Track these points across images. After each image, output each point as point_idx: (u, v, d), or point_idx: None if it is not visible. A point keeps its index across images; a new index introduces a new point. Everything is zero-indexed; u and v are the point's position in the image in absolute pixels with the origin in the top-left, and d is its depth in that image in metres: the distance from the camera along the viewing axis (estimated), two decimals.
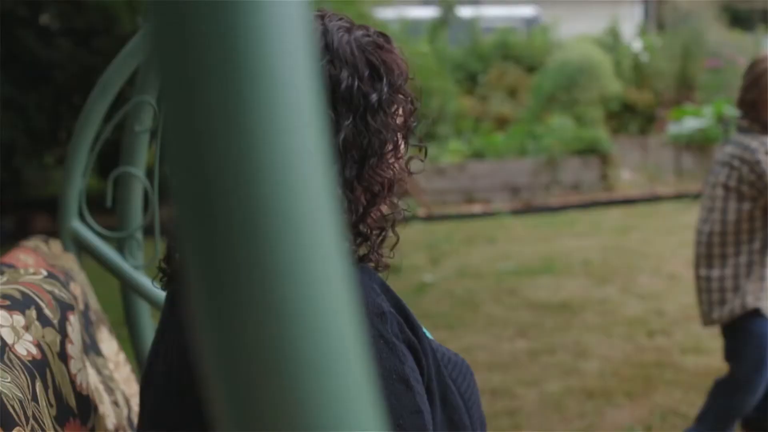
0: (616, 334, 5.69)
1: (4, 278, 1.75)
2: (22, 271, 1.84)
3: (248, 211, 0.40)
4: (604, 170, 12.31)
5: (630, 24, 18.29)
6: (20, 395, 1.35)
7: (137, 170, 2.47)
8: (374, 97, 1.41)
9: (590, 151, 12.31)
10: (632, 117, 14.66)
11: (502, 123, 14.44)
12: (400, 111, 1.47)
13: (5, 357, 1.43)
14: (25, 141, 8.96)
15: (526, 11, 20.64)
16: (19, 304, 1.62)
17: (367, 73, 1.43)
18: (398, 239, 1.59)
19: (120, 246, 2.48)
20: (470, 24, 17.47)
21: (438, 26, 17.29)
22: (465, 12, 18.15)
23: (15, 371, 1.41)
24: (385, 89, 1.43)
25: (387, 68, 1.45)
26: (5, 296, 1.62)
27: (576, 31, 16.93)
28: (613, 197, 11.73)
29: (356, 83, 1.41)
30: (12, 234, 8.52)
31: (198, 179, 0.40)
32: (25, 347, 1.52)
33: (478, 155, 12.70)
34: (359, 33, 1.46)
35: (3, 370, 1.37)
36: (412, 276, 7.66)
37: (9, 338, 1.49)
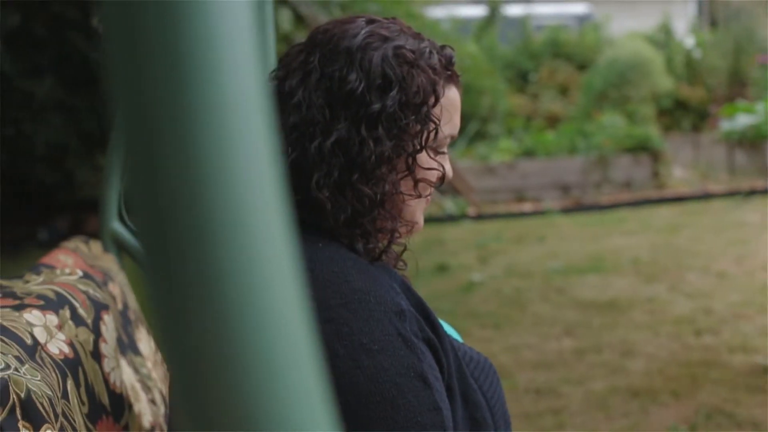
0: (663, 332, 5.65)
1: (41, 278, 1.79)
2: (58, 271, 1.88)
3: (196, 211, 0.41)
4: (655, 168, 12.22)
5: (683, 21, 18.17)
6: (50, 393, 1.38)
7: None
8: (376, 107, 1.41)
9: (641, 148, 12.22)
10: (684, 114, 14.56)
11: (553, 121, 14.41)
12: (411, 130, 1.46)
13: (37, 356, 1.46)
14: (78, 142, 9.06)
15: (578, 8, 20.57)
16: (53, 304, 1.65)
17: (378, 82, 1.42)
18: (405, 247, 1.60)
19: None
20: (521, 22, 17.46)
21: (485, 25, 17.29)
22: (516, 10, 18.14)
23: (46, 369, 1.45)
24: (391, 103, 1.42)
25: (404, 84, 1.43)
26: (40, 296, 1.66)
27: (628, 28, 16.88)
28: (665, 195, 11.63)
29: (360, 89, 1.41)
30: (65, 235, 8.62)
31: (148, 182, 0.42)
32: (57, 346, 1.55)
33: (528, 154, 12.67)
34: (395, 44, 1.46)
35: (34, 368, 1.40)
36: (460, 275, 7.66)
37: (41, 337, 1.52)
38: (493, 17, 17.53)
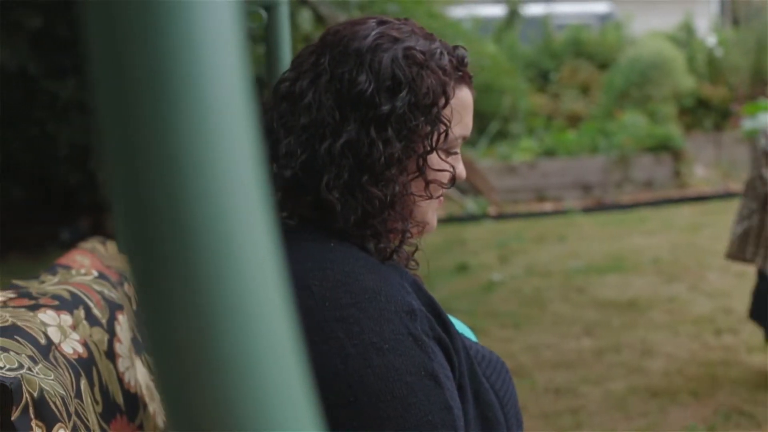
0: (682, 332, 5.64)
1: (56, 279, 1.81)
2: (74, 272, 1.90)
3: (176, 211, 0.42)
4: (676, 167, 12.19)
5: (705, 19, 18.09)
6: (63, 392, 1.40)
7: None
8: (385, 109, 1.41)
9: (663, 148, 12.19)
10: (706, 113, 14.49)
11: (574, 120, 14.38)
12: (421, 132, 1.45)
13: (50, 355, 1.48)
14: (100, 143, 9.11)
15: (600, 7, 20.52)
16: (68, 304, 1.67)
17: (387, 84, 1.42)
18: (417, 248, 1.60)
19: None
20: (542, 21, 17.43)
21: (505, 25, 17.29)
22: (537, 9, 18.12)
23: (59, 369, 1.46)
24: (400, 105, 1.41)
25: (414, 85, 1.43)
26: (55, 296, 1.68)
27: (650, 27, 16.81)
28: (686, 194, 11.60)
29: (370, 90, 1.41)
30: (87, 235, 8.62)
31: (129, 185, 0.42)
32: (71, 346, 1.57)
33: (549, 153, 12.66)
34: (405, 45, 1.45)
35: (47, 368, 1.42)
36: (480, 274, 7.67)
37: (55, 337, 1.54)
38: (512, 17, 17.52)
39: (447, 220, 10.63)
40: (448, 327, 1.47)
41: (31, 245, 8.73)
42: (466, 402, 1.46)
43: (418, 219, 1.52)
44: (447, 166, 1.51)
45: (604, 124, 13.15)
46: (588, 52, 16.30)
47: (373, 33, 1.47)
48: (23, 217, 9.22)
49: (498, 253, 8.57)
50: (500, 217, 11.05)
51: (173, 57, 0.42)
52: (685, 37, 16.08)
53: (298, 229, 1.45)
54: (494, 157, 12.74)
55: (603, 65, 15.78)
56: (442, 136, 1.47)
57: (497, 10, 18.07)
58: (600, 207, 11.32)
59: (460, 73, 1.53)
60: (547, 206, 11.63)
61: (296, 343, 0.45)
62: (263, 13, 2.45)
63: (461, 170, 1.56)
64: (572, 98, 15.20)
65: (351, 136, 1.41)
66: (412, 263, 1.60)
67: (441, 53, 1.49)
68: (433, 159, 1.48)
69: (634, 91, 14.03)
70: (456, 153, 1.56)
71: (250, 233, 0.44)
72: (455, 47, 1.55)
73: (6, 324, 1.48)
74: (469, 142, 13.22)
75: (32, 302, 1.62)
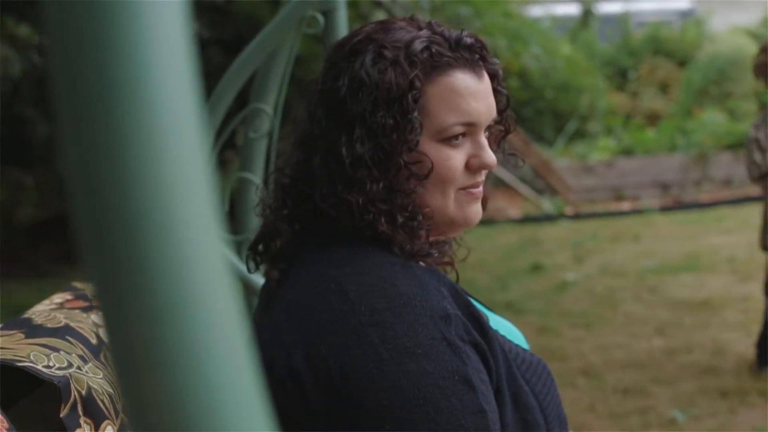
0: (755, 332, 5.56)
1: None
2: None
3: (126, 212, 0.44)
4: None
5: None
6: (111, 391, 1.45)
7: (253, 176, 2.55)
8: (352, 110, 1.41)
9: (742, 145, 12.00)
10: None
11: (653, 119, 14.24)
12: (388, 127, 1.41)
13: (101, 355, 1.53)
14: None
15: (681, 4, 20.28)
16: None
17: (355, 86, 1.41)
18: (449, 245, 1.59)
19: (238, 249, 2.57)
20: (621, 19, 17.29)
21: (580, 25, 17.18)
22: (616, 7, 17.97)
23: (109, 368, 1.51)
24: (364, 103, 1.41)
25: (376, 83, 1.42)
26: None
27: (731, 22, 16.57)
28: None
29: (341, 95, 1.42)
30: None
31: (83, 182, 0.45)
32: None
33: (627, 152, 12.57)
34: (378, 43, 1.43)
35: (96, 367, 1.47)
36: (555, 274, 7.65)
37: (106, 338, 1.59)
38: (586, 16, 17.40)
39: (523, 220, 10.61)
40: (485, 331, 1.45)
41: None
42: (504, 405, 1.45)
43: (434, 215, 1.50)
44: (424, 158, 1.45)
45: (683, 122, 13.01)
46: (667, 49, 16.13)
47: (356, 39, 1.45)
48: None
49: (573, 253, 8.53)
50: (576, 216, 10.98)
51: (123, 61, 0.44)
52: (766, 32, 15.83)
53: (334, 233, 1.46)
54: (571, 156, 12.68)
55: (682, 62, 15.60)
56: (416, 127, 1.43)
57: (574, 9, 17.97)
58: (678, 206, 11.20)
59: (447, 59, 1.46)
60: (625, 205, 11.54)
61: (247, 344, 0.47)
62: (320, 19, 2.47)
63: (488, 157, 1.50)
64: (651, 96, 15.05)
65: (331, 142, 1.42)
66: (447, 258, 1.60)
67: (419, 43, 1.44)
68: (410, 153, 1.43)
69: (713, 88, 13.85)
70: (455, 142, 1.46)
71: (197, 233, 0.45)
72: (455, 31, 1.48)
73: (59, 325, 1.53)
74: (546, 141, 13.18)
75: (87, 304, 1.68)
